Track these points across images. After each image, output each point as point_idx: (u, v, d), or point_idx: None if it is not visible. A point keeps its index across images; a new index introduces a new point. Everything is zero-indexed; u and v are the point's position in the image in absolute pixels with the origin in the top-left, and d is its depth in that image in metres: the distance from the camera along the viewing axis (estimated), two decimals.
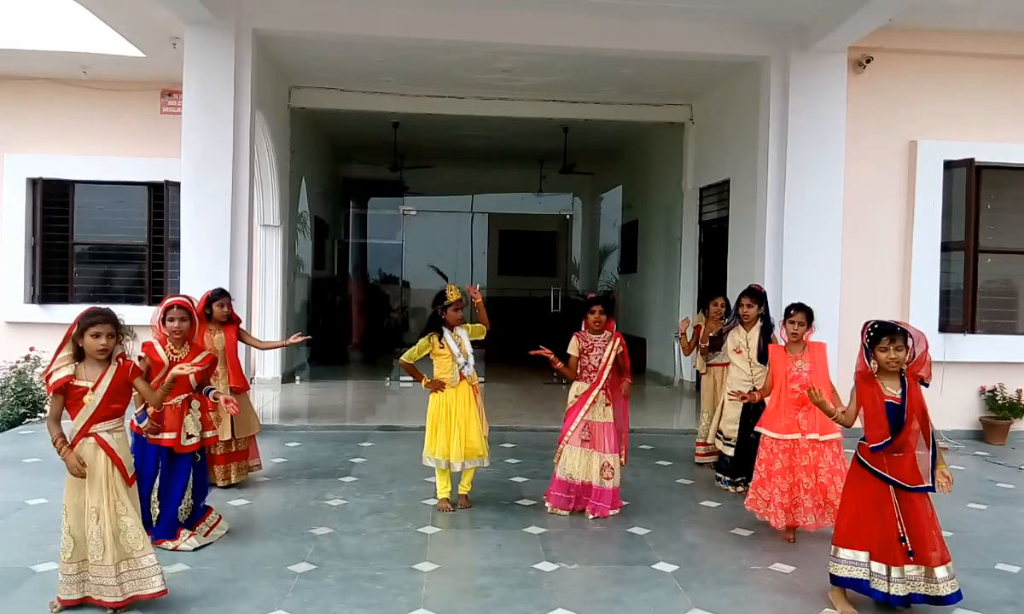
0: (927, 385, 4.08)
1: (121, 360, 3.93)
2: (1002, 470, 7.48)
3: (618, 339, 5.59)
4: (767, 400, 5.39)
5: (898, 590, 3.94)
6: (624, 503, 5.72)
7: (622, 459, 5.65)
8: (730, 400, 6.17)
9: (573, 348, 5.64)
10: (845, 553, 4.07)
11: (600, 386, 5.53)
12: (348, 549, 4.85)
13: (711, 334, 7.04)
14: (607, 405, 5.59)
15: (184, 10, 7.41)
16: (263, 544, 4.90)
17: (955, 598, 3.97)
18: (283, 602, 4.06)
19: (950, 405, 8.73)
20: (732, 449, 6.18)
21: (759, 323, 6.18)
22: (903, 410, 3.96)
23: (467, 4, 7.84)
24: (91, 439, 3.83)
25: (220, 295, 6.19)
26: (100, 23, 8.22)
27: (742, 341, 6.16)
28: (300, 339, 6.93)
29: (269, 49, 8.78)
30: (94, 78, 9.94)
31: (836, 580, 4.11)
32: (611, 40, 8.18)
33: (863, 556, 4.01)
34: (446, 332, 5.57)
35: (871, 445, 4.04)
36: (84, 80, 9.95)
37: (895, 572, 3.94)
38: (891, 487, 3.98)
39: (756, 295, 6.28)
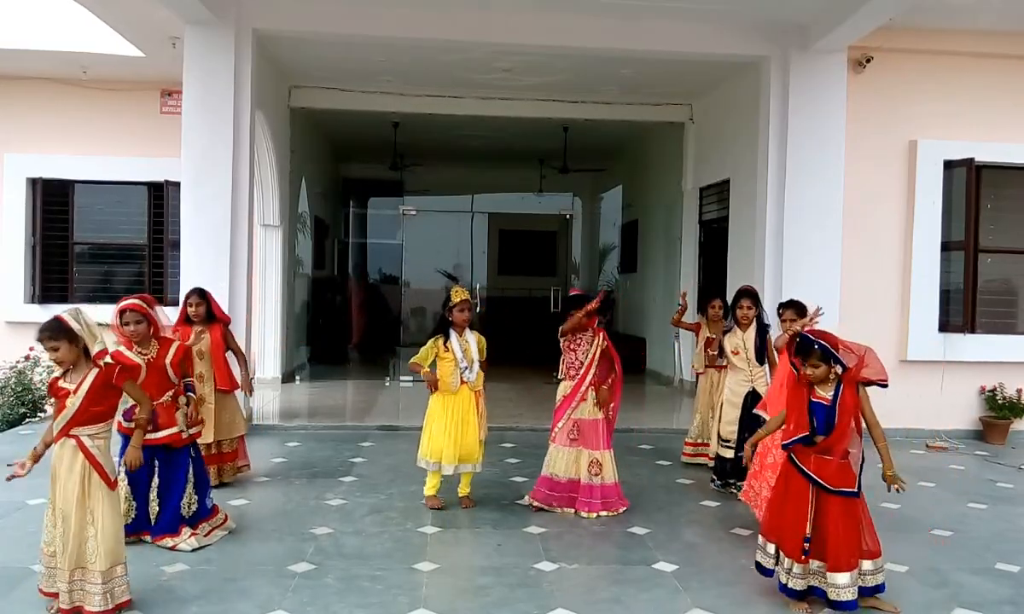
0: (885, 386, 4.11)
1: (103, 363, 3.85)
2: (1002, 470, 7.48)
3: (600, 335, 5.58)
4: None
5: (796, 584, 4.03)
6: (628, 502, 5.72)
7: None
8: (731, 404, 6.17)
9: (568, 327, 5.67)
10: (760, 540, 4.24)
11: (587, 383, 5.55)
12: (348, 549, 4.85)
13: (712, 336, 7.02)
14: (595, 402, 5.60)
15: (184, 10, 7.41)
16: (263, 544, 4.90)
17: (848, 605, 3.98)
18: (283, 602, 4.06)
19: (950, 405, 8.74)
20: (730, 451, 6.16)
21: (754, 323, 6.19)
22: (833, 413, 4.01)
23: (467, 4, 7.84)
24: (72, 441, 3.80)
25: (191, 294, 6.11)
26: (100, 23, 8.21)
27: (739, 343, 6.15)
28: (249, 390, 6.56)
29: (269, 49, 8.78)
30: (94, 78, 9.93)
31: (758, 567, 4.24)
32: (611, 40, 8.18)
33: (771, 548, 4.15)
34: (452, 335, 5.58)
35: (783, 442, 4.20)
36: (84, 80, 9.94)
37: (797, 568, 4.02)
38: (812, 486, 4.05)
39: (754, 297, 6.28)
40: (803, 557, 3.99)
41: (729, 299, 7.25)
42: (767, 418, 5.25)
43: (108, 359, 3.91)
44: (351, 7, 7.86)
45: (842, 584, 3.97)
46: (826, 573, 4.00)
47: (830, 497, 4.02)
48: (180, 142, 7.79)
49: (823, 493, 4.03)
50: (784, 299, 6.06)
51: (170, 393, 4.82)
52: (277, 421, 8.56)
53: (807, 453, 4.08)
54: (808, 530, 4.00)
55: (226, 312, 6.49)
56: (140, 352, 4.78)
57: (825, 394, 4.06)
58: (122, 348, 4.73)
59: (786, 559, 4.06)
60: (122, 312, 4.76)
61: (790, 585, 4.04)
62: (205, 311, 6.08)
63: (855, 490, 4.05)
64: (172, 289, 9.61)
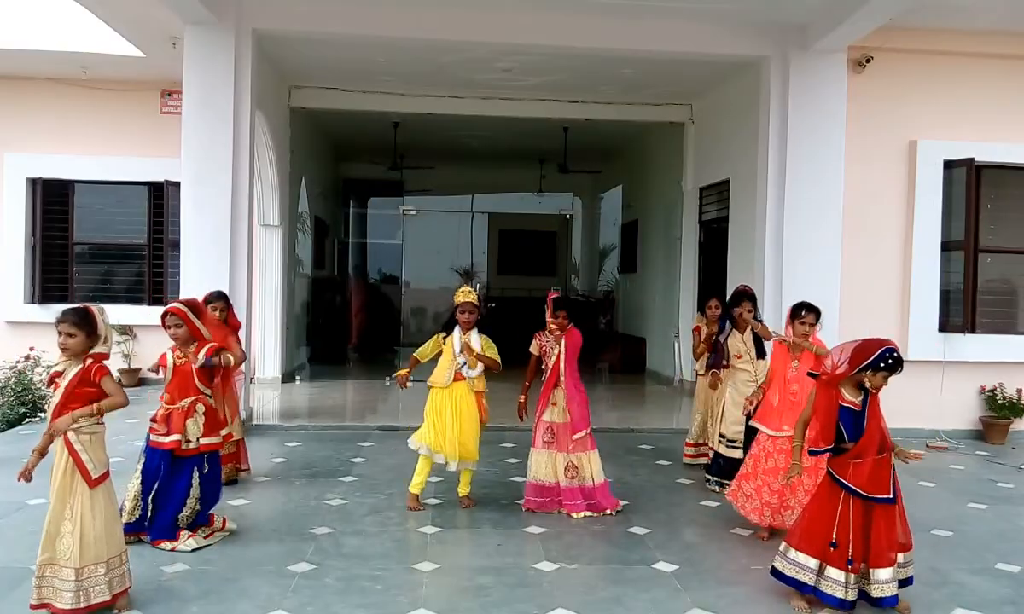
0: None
1: (89, 361, 3.84)
2: (1002, 470, 7.48)
3: (564, 340, 5.57)
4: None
5: (851, 595, 4.00)
6: (624, 502, 5.73)
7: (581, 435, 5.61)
8: (735, 404, 6.14)
9: (534, 347, 5.72)
10: (796, 555, 4.11)
11: (554, 386, 5.58)
12: (348, 549, 4.85)
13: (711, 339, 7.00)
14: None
15: (184, 10, 7.41)
16: (263, 544, 4.90)
17: (888, 602, 4.01)
18: (283, 602, 4.06)
19: (950, 405, 8.73)
20: (738, 451, 6.13)
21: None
22: (863, 417, 4.00)
23: (467, 4, 7.84)
24: (60, 436, 3.81)
25: (214, 299, 6.17)
26: (100, 23, 8.22)
27: (740, 345, 6.12)
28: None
29: (269, 49, 8.78)
30: (94, 78, 9.94)
31: (780, 577, 4.16)
32: (611, 40, 8.18)
33: (813, 563, 4.06)
34: (456, 332, 5.62)
35: (810, 448, 4.15)
36: (84, 80, 9.96)
37: (852, 578, 3.99)
38: (848, 494, 4.03)
39: (754, 299, 6.25)
40: (848, 566, 3.97)
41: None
42: (764, 431, 5.24)
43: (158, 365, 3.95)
44: (351, 7, 7.86)
45: (884, 580, 3.98)
46: (869, 571, 4.00)
47: (870, 504, 4.01)
48: (180, 142, 7.79)
49: (862, 501, 4.01)
50: (797, 301, 5.56)
51: (189, 400, 4.84)
52: (277, 421, 8.56)
53: (844, 463, 4.04)
54: (835, 536, 3.98)
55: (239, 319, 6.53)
56: (178, 355, 4.92)
57: (854, 399, 4.02)
58: (168, 350, 4.95)
59: (839, 572, 3.98)
60: (164, 315, 4.93)
61: (851, 598, 3.99)
62: (224, 317, 6.16)
63: (892, 496, 4.03)
64: (172, 289, 9.61)
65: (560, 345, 5.58)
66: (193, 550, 4.69)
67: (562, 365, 5.57)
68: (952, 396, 8.71)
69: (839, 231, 8.22)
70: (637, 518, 5.54)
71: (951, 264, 8.91)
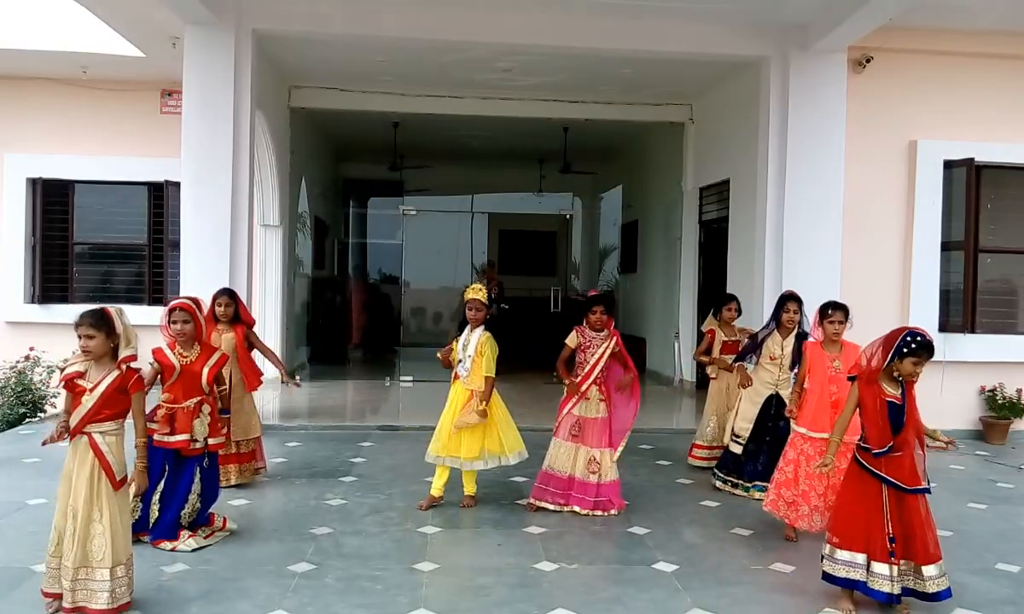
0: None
1: (125, 367, 3.87)
2: (1002, 470, 7.48)
3: (614, 338, 5.60)
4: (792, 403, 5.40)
5: (896, 589, 3.99)
6: (625, 503, 5.72)
7: (615, 455, 5.65)
8: (751, 401, 6.11)
9: (571, 339, 5.69)
10: (843, 554, 4.09)
11: (590, 381, 5.57)
12: (348, 549, 4.85)
13: (727, 339, 6.96)
14: (601, 401, 5.62)
15: (184, 10, 7.41)
16: (263, 544, 4.90)
17: (944, 595, 4.03)
18: (283, 602, 4.06)
19: (950, 405, 8.72)
20: (739, 446, 6.14)
21: (795, 329, 6.04)
22: (902, 411, 3.99)
23: (467, 4, 7.83)
24: (84, 438, 3.81)
25: (220, 294, 6.21)
26: (100, 23, 8.21)
27: (777, 348, 6.02)
28: (295, 384, 7.12)
29: (269, 49, 8.78)
30: (94, 78, 9.93)
31: (833, 580, 4.13)
32: (611, 40, 8.18)
33: (860, 558, 4.04)
34: (466, 331, 5.66)
35: (874, 450, 4.07)
36: (84, 80, 9.94)
37: (895, 571, 3.98)
38: (885, 487, 4.02)
39: (801, 302, 6.08)
40: (891, 558, 3.96)
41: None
42: (804, 433, 5.13)
43: (134, 364, 3.92)
44: (351, 7, 7.86)
45: (935, 575, 4.00)
46: (920, 568, 4.01)
47: (907, 496, 4.01)
48: (180, 142, 7.79)
49: (899, 493, 4.01)
50: (829, 300, 5.51)
51: (195, 400, 4.84)
52: (277, 421, 8.57)
53: (878, 456, 4.04)
54: (890, 530, 3.98)
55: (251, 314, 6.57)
56: (181, 354, 4.88)
57: (895, 392, 4.03)
58: (165, 347, 4.89)
59: (886, 566, 3.97)
60: (172, 310, 4.90)
61: (895, 592, 3.98)
62: (233, 312, 6.17)
63: (927, 487, 4.06)
64: (172, 289, 9.61)
65: (608, 343, 5.57)
66: (193, 550, 4.69)
67: (602, 361, 5.56)
68: (952, 396, 8.70)
69: (839, 231, 8.21)
70: (637, 518, 5.55)
71: (951, 264, 8.91)
